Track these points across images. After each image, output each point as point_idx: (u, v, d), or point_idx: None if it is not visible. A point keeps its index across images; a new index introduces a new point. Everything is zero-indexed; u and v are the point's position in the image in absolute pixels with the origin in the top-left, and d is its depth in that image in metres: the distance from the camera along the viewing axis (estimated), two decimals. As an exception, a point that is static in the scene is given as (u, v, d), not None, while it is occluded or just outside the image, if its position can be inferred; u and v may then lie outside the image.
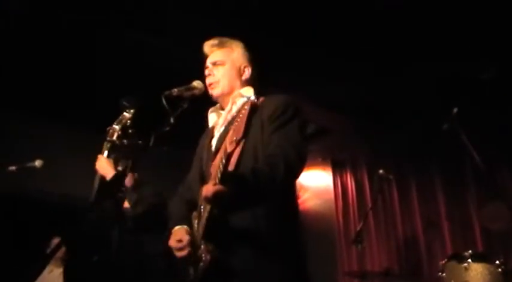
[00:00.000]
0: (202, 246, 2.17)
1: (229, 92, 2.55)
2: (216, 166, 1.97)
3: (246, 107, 1.93)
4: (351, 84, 5.74)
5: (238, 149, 2.02)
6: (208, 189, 1.90)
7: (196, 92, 2.44)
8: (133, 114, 3.38)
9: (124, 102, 3.17)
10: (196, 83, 2.47)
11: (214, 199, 1.89)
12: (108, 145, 3.60)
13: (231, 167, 2.02)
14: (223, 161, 1.91)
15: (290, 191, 2.36)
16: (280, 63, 5.06)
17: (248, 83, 2.61)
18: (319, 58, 5.23)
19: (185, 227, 2.36)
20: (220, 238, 2.15)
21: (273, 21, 4.68)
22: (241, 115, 1.91)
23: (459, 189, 6.01)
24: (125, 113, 3.47)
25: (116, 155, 3.65)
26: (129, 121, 3.35)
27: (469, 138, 4.15)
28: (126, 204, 3.89)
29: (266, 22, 4.67)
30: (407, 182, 6.59)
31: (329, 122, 6.79)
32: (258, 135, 2.28)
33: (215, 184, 1.90)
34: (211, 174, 2.18)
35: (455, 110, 4.16)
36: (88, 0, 4.55)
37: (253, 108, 1.95)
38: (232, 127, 1.91)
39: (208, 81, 2.60)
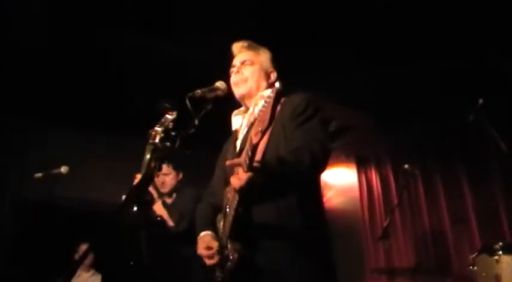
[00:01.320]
0: (229, 246, 2.17)
1: (254, 93, 2.56)
2: (242, 157, 1.95)
3: (270, 94, 1.92)
4: (371, 80, 5.72)
5: (265, 139, 2.04)
6: (240, 177, 1.89)
7: (219, 92, 2.43)
8: (176, 117, 3.38)
9: (166, 104, 3.17)
10: (220, 84, 2.46)
11: (248, 186, 1.88)
12: (151, 148, 3.61)
13: (257, 157, 2.02)
14: (249, 152, 1.88)
15: (315, 187, 2.36)
16: (301, 63, 5.06)
17: (273, 86, 2.59)
18: (339, 57, 5.22)
19: (210, 233, 2.37)
20: (246, 236, 2.15)
21: (292, 22, 4.69)
22: (265, 104, 1.89)
23: (486, 181, 5.92)
24: (167, 115, 3.48)
25: (156, 157, 3.67)
26: (171, 123, 3.36)
27: (495, 129, 4.10)
28: (170, 222, 3.91)
29: (285, 23, 4.68)
30: (433, 177, 6.51)
31: (351, 118, 6.76)
32: (280, 133, 2.28)
33: (245, 172, 1.89)
34: (232, 173, 2.18)
35: (480, 101, 4.11)
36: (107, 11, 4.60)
37: (278, 96, 1.93)
38: (257, 120, 1.89)
39: (234, 79, 2.61)
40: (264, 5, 4.52)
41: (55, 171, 4.83)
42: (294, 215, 2.17)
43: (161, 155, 2.06)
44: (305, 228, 2.17)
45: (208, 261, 2.24)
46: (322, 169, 2.25)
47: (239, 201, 2.04)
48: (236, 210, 2.09)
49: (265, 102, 1.89)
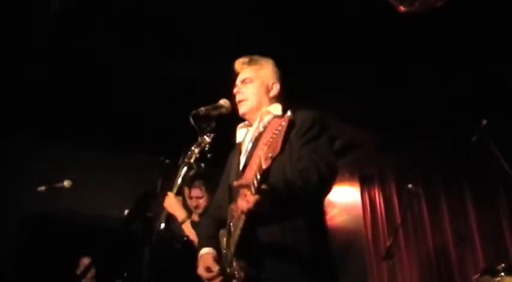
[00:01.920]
0: (234, 264, 2.16)
1: (257, 109, 2.55)
2: (249, 180, 1.93)
3: (283, 123, 1.90)
4: (376, 99, 5.72)
5: None
6: (248, 199, 1.89)
7: (223, 110, 2.45)
8: (213, 139, 3.42)
9: (204, 125, 3.18)
10: (223, 102, 2.48)
11: (255, 209, 1.88)
12: (185, 168, 3.65)
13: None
14: (258, 176, 1.86)
15: (319, 206, 2.35)
16: (306, 79, 5.08)
17: (276, 99, 2.61)
18: (343, 75, 5.23)
19: (211, 251, 2.37)
20: (251, 255, 2.14)
21: (299, 38, 4.71)
22: (276, 131, 1.88)
23: (490, 201, 5.90)
24: (205, 137, 3.52)
25: (190, 178, 3.69)
26: (208, 145, 3.39)
27: (499, 149, 4.10)
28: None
29: (292, 39, 4.70)
30: (436, 196, 6.49)
31: (356, 137, 6.77)
32: (285, 151, 2.21)
33: (253, 195, 1.89)
34: (237, 189, 2.18)
35: (484, 121, 4.11)
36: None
37: (291, 125, 1.93)
38: (265, 143, 1.88)
39: (237, 98, 2.61)
40: (269, 23, 4.55)
41: (58, 185, 4.84)
42: (298, 233, 2.16)
43: (164, 173, 2.07)
44: (309, 247, 2.16)
45: None
46: (330, 189, 2.24)
47: (245, 222, 2.04)
48: (242, 229, 2.08)
49: (277, 130, 1.88)
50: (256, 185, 1.87)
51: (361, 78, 5.33)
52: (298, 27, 4.59)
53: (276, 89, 2.63)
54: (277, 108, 2.53)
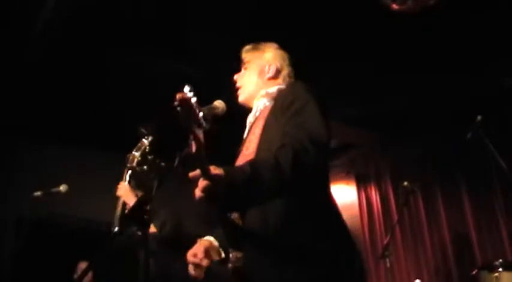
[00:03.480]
0: (230, 255, 2.00)
1: (253, 95, 2.47)
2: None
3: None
4: (370, 97, 5.73)
5: (257, 135, 2.00)
6: (199, 185, 1.67)
7: (218, 111, 2.42)
8: (152, 141, 3.46)
9: (142, 130, 3.22)
10: (218, 103, 2.45)
11: (206, 195, 1.66)
12: (129, 171, 3.69)
13: (251, 154, 1.95)
14: (202, 161, 1.67)
15: (312, 192, 2.03)
16: (301, 77, 5.07)
17: (274, 80, 2.52)
18: (339, 73, 5.23)
19: (210, 239, 2.20)
20: (239, 245, 1.97)
21: (294, 36, 4.70)
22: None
23: (486, 197, 5.93)
24: (143, 140, 3.56)
25: (136, 180, 3.72)
26: (147, 148, 3.44)
27: (494, 146, 4.11)
28: (153, 229, 3.93)
29: (288, 36, 4.68)
30: (433, 193, 6.52)
31: (351, 136, 6.77)
32: (272, 126, 2.11)
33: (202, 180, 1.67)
34: None
35: (479, 118, 4.12)
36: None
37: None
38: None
39: (236, 87, 2.58)
40: (267, 23, 4.54)
41: (54, 189, 4.82)
42: (279, 225, 1.94)
43: (161, 175, 2.04)
44: (289, 238, 1.92)
45: (191, 271, 2.09)
46: (313, 166, 1.90)
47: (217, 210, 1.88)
48: (220, 220, 1.95)
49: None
50: (202, 170, 1.66)
51: (357, 77, 5.33)
52: (297, 27, 4.60)
53: (272, 70, 2.53)
54: (273, 88, 2.42)
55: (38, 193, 4.79)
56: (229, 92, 2.61)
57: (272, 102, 2.02)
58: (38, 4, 4.35)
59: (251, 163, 1.80)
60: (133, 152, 3.61)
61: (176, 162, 2.14)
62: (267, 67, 2.55)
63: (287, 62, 2.62)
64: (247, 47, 2.64)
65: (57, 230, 6.39)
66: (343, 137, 6.72)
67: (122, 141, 5.80)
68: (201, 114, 1.60)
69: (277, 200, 1.91)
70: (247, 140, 1.89)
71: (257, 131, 1.76)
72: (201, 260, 2.07)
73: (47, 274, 5.88)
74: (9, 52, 4.91)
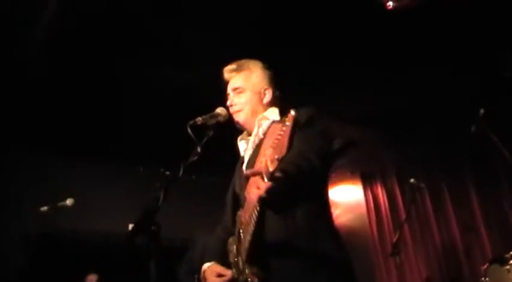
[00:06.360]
0: (247, 271, 2.12)
1: (253, 117, 2.52)
2: (261, 167, 1.85)
3: (287, 123, 1.84)
4: (372, 93, 5.73)
5: None
6: (260, 186, 1.82)
7: (220, 118, 2.43)
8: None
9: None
10: (220, 110, 2.47)
11: (268, 196, 1.82)
12: None
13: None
14: (266, 180, 1.80)
15: (323, 201, 2.30)
16: (304, 78, 5.11)
17: (271, 104, 2.58)
18: (342, 71, 5.23)
19: (215, 263, 2.35)
20: (261, 258, 2.09)
21: (295, 39, 4.73)
22: (281, 132, 1.82)
23: (493, 190, 5.93)
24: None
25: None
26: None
27: (499, 139, 4.10)
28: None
29: (290, 38, 4.71)
30: (439, 189, 6.52)
31: (355, 134, 6.76)
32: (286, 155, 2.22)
33: (265, 182, 1.81)
34: (243, 196, 2.15)
35: (481, 111, 4.11)
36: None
37: (295, 124, 1.86)
38: (271, 146, 1.83)
39: (231, 110, 2.58)
40: (268, 28, 4.57)
41: (61, 203, 4.83)
42: (301, 230, 2.11)
43: (167, 184, 2.04)
44: (315, 244, 2.11)
45: None
46: (325, 177, 2.25)
47: (258, 217, 1.99)
48: (253, 234, 2.04)
49: (282, 131, 1.79)
50: (268, 173, 1.79)
51: (360, 74, 5.33)
52: (297, 27, 4.60)
53: (269, 94, 2.59)
54: (274, 113, 2.50)
55: (45, 208, 4.81)
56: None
57: (280, 126, 2.07)
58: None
59: (291, 163, 1.96)
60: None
61: (181, 171, 2.15)
62: (263, 91, 2.59)
63: (273, 82, 2.65)
64: (232, 67, 2.66)
65: (64, 244, 6.39)
66: (347, 135, 6.71)
67: (127, 153, 5.86)
68: None
69: (297, 211, 2.13)
70: (258, 161, 1.94)
71: (267, 152, 1.81)
72: (231, 275, 2.21)
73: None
74: (15, 64, 4.92)
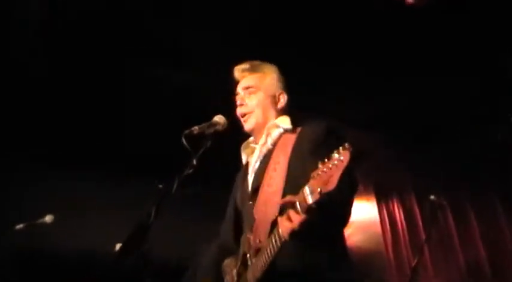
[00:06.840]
0: None
1: (264, 123, 2.55)
2: (297, 196, 1.89)
3: (342, 157, 1.79)
4: (389, 101, 5.78)
5: (282, 174, 2.12)
6: (293, 219, 1.87)
7: (219, 127, 2.44)
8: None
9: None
10: (218, 118, 2.48)
11: (300, 229, 1.86)
12: None
13: (277, 192, 2.08)
14: (301, 211, 1.85)
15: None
16: (315, 85, 5.19)
17: (284, 111, 2.61)
18: (356, 77, 5.32)
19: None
20: None
21: (303, 42, 4.83)
22: (332, 165, 1.78)
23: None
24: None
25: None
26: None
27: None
28: None
29: (290, 38, 4.80)
30: (463, 206, 6.49)
31: (369, 144, 6.78)
32: (298, 166, 2.24)
33: (299, 214, 1.85)
34: (250, 214, 2.20)
35: (512, 118, 4.14)
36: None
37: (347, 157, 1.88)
38: (313, 175, 1.80)
39: (240, 111, 2.61)
40: (268, 28, 4.66)
41: (39, 221, 4.83)
42: (317, 257, 2.16)
43: (159, 200, 2.08)
44: (329, 271, 2.15)
45: None
46: (352, 200, 2.30)
47: (281, 248, 2.00)
48: (270, 264, 2.07)
49: (334, 164, 1.79)
50: (306, 206, 1.82)
51: (372, 80, 5.42)
52: (295, 31, 4.69)
53: (283, 100, 2.63)
54: (285, 121, 2.53)
55: (20, 226, 4.80)
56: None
57: (293, 137, 2.10)
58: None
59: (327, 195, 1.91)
60: None
61: (175, 186, 2.19)
62: (277, 95, 2.63)
63: (287, 89, 2.70)
64: (245, 67, 2.70)
65: (45, 263, 6.42)
66: (359, 146, 6.72)
67: (107, 169, 5.90)
68: None
69: (316, 238, 2.13)
70: (268, 176, 1.98)
71: (279, 168, 1.86)
72: None
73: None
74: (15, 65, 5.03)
